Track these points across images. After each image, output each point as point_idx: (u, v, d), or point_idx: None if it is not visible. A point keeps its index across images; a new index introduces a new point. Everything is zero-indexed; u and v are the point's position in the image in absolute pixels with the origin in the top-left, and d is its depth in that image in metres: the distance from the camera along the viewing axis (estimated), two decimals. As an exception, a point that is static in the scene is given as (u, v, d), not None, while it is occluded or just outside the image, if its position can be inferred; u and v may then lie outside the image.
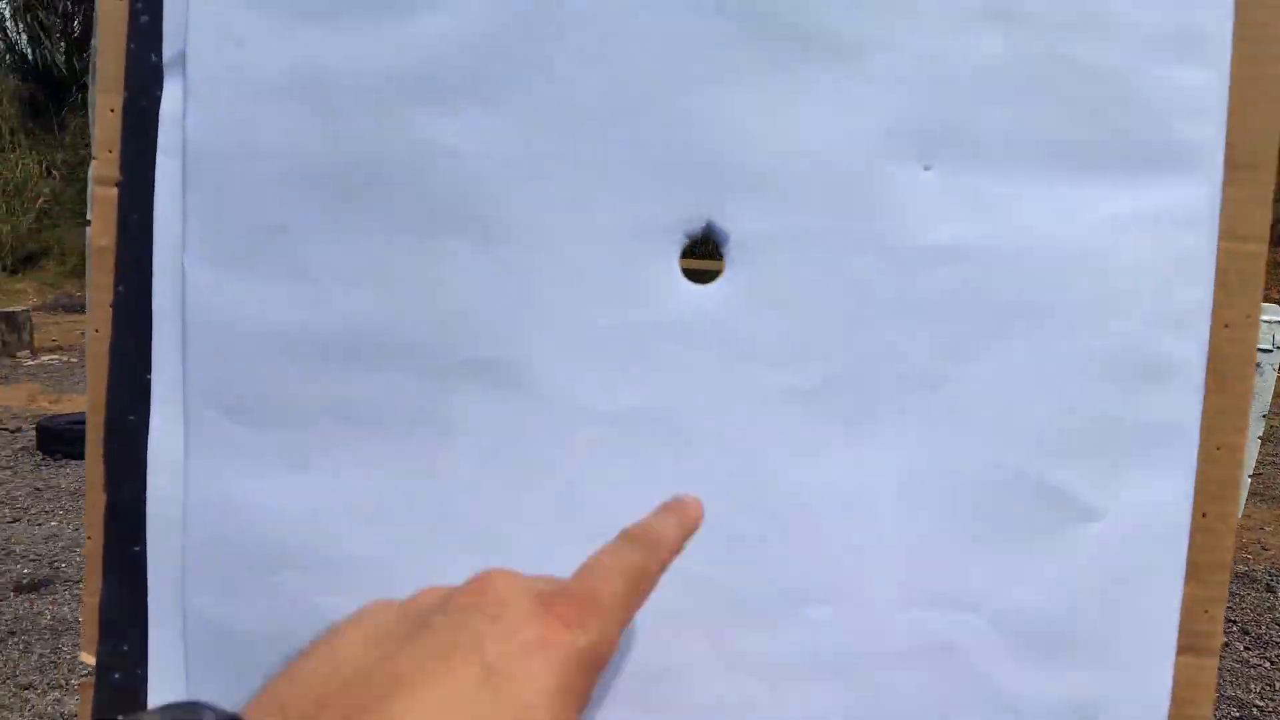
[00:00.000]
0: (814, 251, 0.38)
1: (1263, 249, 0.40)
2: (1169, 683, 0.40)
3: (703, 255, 0.41)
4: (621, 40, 0.38)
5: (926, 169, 0.38)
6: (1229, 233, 0.40)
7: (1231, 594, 3.02)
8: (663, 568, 0.28)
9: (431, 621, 0.24)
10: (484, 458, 0.39)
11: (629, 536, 0.28)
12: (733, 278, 0.38)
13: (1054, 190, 0.38)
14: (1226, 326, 0.40)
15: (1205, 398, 0.40)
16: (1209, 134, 0.38)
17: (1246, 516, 3.78)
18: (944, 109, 0.38)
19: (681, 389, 0.39)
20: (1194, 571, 0.41)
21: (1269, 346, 1.60)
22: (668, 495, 0.32)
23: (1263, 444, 5.25)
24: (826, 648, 0.39)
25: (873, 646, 0.39)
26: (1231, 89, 0.39)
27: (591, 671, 0.25)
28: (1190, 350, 0.39)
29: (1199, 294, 0.39)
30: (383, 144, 0.38)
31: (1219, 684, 2.43)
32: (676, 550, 0.29)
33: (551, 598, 0.26)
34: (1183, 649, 0.41)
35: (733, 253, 0.38)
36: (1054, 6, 0.38)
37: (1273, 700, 2.37)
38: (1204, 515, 0.40)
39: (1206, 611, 0.41)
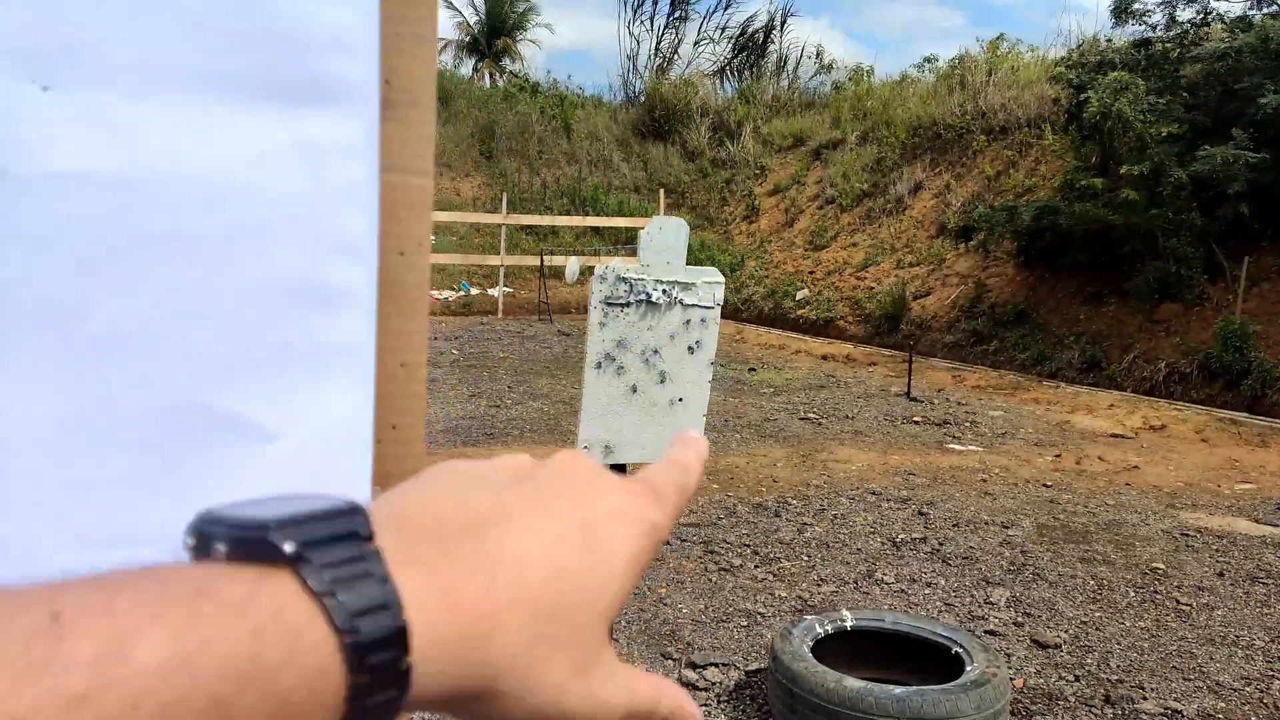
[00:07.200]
0: (-89, 174, 0.35)
1: (428, 182, 0.44)
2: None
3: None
4: None
5: (45, 90, 0.36)
6: (394, 167, 0.43)
7: (746, 520, 3.49)
8: (693, 488, 0.31)
9: (534, 474, 0.26)
10: None
11: (669, 460, 0.31)
12: None
13: (195, 118, 0.38)
14: (401, 254, 0.43)
15: (385, 320, 0.43)
16: (362, 72, 0.41)
17: (762, 454, 4.39)
18: (61, 26, 0.36)
19: None
20: (385, 480, 0.44)
21: (710, 304, 1.85)
22: None
23: (775, 393, 6.12)
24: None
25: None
26: (384, 31, 0.42)
27: (655, 549, 0.27)
28: (359, 277, 0.42)
29: (363, 224, 0.42)
30: None
31: (734, 600, 2.80)
32: (699, 474, 0.31)
33: (628, 481, 0.28)
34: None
35: None
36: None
37: (774, 607, 2.78)
38: (393, 428, 0.44)
39: (407, 518, 0.45)
